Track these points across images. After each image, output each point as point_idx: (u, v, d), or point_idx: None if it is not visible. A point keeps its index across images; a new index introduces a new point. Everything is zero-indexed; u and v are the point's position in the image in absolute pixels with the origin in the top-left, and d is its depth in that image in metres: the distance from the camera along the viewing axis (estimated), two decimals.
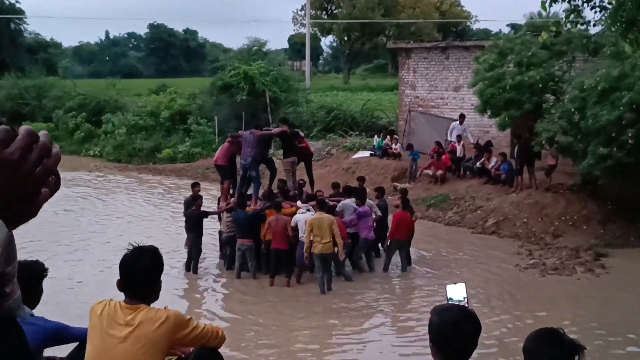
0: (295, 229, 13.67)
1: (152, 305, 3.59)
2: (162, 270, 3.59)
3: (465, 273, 14.49)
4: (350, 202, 14.60)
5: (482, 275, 14.51)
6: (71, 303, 11.80)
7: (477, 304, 12.18)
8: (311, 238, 13.06)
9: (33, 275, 3.82)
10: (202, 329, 3.62)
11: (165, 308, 3.59)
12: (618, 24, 9.38)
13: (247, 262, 14.19)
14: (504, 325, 11.41)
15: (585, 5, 10.66)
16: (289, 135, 15.72)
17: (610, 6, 9.76)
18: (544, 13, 39.29)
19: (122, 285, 3.56)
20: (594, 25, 11.22)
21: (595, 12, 10.46)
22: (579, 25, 12.22)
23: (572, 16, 10.99)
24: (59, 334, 3.94)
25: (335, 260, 13.65)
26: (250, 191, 15.41)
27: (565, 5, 10.78)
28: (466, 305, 3.24)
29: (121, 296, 3.58)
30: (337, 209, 14.39)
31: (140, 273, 3.51)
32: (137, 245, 3.58)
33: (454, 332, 2.85)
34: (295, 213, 14.01)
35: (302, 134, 16.99)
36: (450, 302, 3.25)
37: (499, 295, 13.11)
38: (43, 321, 3.86)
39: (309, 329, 11.72)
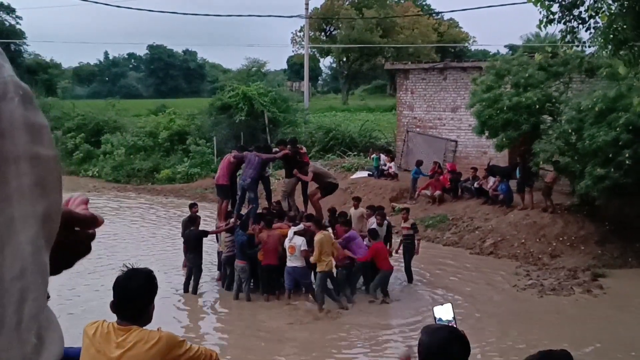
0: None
1: (146, 327, 3.59)
2: (155, 292, 3.59)
3: (463, 294, 14.48)
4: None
5: (480, 295, 14.49)
6: (64, 323, 11.75)
7: (475, 325, 12.16)
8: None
9: None
10: (195, 351, 3.61)
11: (158, 329, 3.59)
12: (610, 43, 9.46)
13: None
14: (501, 346, 11.37)
15: (581, 26, 10.77)
16: (291, 156, 15.76)
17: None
18: (541, 34, 39.58)
19: (114, 306, 3.56)
20: (589, 46, 11.32)
21: (590, 33, 10.56)
22: (574, 47, 12.32)
23: (567, 37, 11.10)
24: None
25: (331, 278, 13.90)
26: (244, 211, 15.41)
27: (561, 26, 10.91)
28: (454, 325, 3.25)
29: (114, 317, 3.59)
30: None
31: (132, 295, 3.51)
32: (131, 267, 3.59)
33: (442, 353, 2.86)
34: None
35: (304, 149, 16.74)
36: (439, 323, 3.26)
37: (497, 316, 13.08)
38: None
39: (308, 350, 11.68)
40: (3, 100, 0.79)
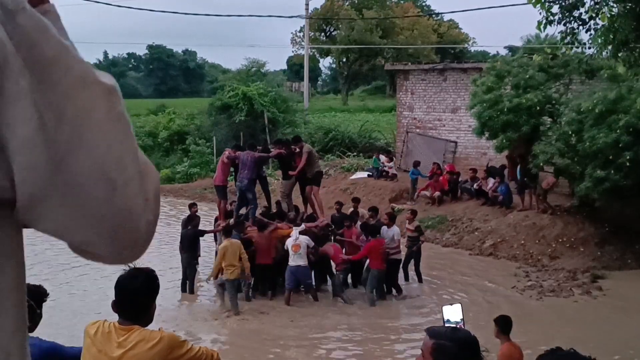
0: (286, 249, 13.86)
1: (147, 327, 3.58)
2: (157, 292, 3.59)
3: (462, 294, 14.46)
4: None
5: (479, 297, 14.47)
6: (65, 323, 11.74)
7: (474, 326, 12.13)
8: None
9: (34, 299, 3.81)
10: (197, 351, 3.60)
11: (159, 329, 3.58)
12: (610, 45, 9.45)
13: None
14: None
15: (581, 28, 10.77)
16: (286, 156, 15.75)
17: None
18: (541, 35, 39.55)
19: (116, 306, 3.55)
20: (589, 47, 11.31)
21: (590, 34, 10.55)
22: (574, 48, 12.30)
23: (567, 38, 11.08)
24: (54, 354, 3.92)
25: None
26: (243, 211, 15.43)
27: (561, 27, 10.91)
28: (462, 326, 3.24)
29: (116, 317, 3.58)
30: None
31: (134, 294, 3.50)
32: (132, 266, 3.59)
33: (460, 356, 2.84)
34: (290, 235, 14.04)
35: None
36: (447, 324, 3.24)
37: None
38: (38, 341, 3.85)
39: (308, 350, 11.67)
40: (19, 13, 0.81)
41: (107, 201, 0.84)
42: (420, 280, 15.46)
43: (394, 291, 14.60)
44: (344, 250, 14.53)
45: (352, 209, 16.47)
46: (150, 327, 3.59)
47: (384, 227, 14.49)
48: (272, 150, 16.33)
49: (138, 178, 0.88)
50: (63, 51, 0.84)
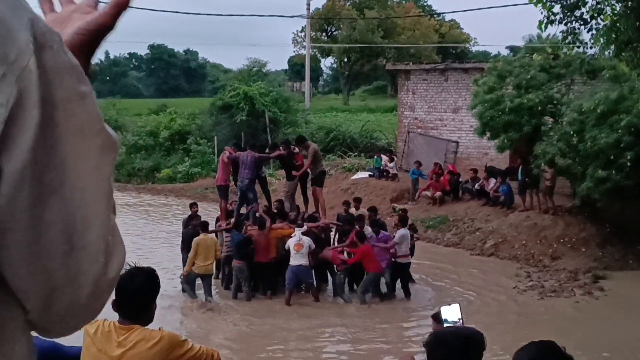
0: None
1: (147, 326, 3.56)
2: (157, 291, 3.57)
3: (463, 295, 14.45)
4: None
5: (480, 297, 14.47)
6: None
7: (475, 326, 12.11)
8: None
9: None
10: (197, 350, 3.59)
11: (160, 329, 3.57)
12: (612, 44, 9.44)
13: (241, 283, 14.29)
14: (501, 348, 11.33)
15: (582, 27, 10.75)
16: (287, 156, 15.76)
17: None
18: (543, 35, 39.51)
19: (116, 305, 3.54)
20: (591, 47, 11.30)
21: (592, 34, 10.54)
22: (576, 48, 12.29)
23: (569, 38, 11.07)
24: (54, 353, 3.91)
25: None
26: (243, 210, 15.44)
27: (562, 27, 10.89)
28: (462, 325, 3.24)
29: (116, 316, 3.56)
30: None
31: (134, 293, 3.49)
32: (133, 266, 3.57)
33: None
34: (291, 235, 14.04)
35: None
36: (446, 324, 3.24)
37: (497, 318, 13.05)
38: (37, 340, 3.82)
39: (307, 351, 11.67)
40: (44, 49, 0.81)
41: (61, 258, 0.83)
42: (412, 281, 15.31)
43: (397, 293, 14.52)
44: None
45: (353, 209, 16.45)
46: (151, 326, 3.58)
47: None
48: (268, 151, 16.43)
49: (99, 248, 0.87)
50: (74, 97, 0.83)
